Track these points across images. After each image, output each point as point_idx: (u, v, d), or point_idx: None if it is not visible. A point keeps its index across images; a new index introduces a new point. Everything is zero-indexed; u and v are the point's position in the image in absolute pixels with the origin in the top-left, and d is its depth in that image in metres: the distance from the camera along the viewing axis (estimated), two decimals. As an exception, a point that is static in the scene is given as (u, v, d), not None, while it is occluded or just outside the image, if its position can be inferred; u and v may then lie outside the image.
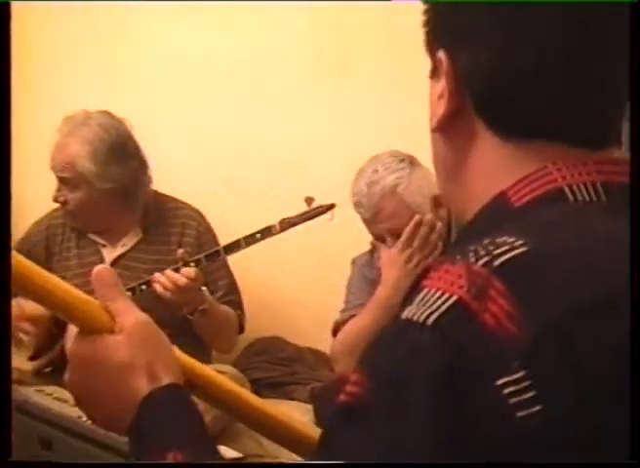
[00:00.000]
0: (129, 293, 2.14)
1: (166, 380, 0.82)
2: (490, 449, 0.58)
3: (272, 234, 2.13)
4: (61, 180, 2.37)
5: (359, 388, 0.62)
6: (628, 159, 0.72)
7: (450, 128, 0.77)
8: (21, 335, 2.29)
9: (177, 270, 2.19)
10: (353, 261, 2.42)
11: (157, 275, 2.18)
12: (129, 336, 0.83)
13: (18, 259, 0.81)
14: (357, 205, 2.19)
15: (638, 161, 0.70)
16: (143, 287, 2.21)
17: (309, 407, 2.36)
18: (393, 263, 2.14)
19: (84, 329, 0.85)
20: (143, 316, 0.86)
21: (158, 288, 2.17)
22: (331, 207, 2.12)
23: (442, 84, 0.76)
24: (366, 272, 2.34)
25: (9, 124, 0.86)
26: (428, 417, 0.58)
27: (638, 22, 0.70)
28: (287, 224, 2.13)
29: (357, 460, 0.61)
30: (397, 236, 2.14)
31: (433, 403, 0.58)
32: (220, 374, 0.95)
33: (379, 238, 2.22)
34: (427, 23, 0.78)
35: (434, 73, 0.77)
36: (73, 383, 0.86)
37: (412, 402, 0.59)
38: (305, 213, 2.12)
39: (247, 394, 0.98)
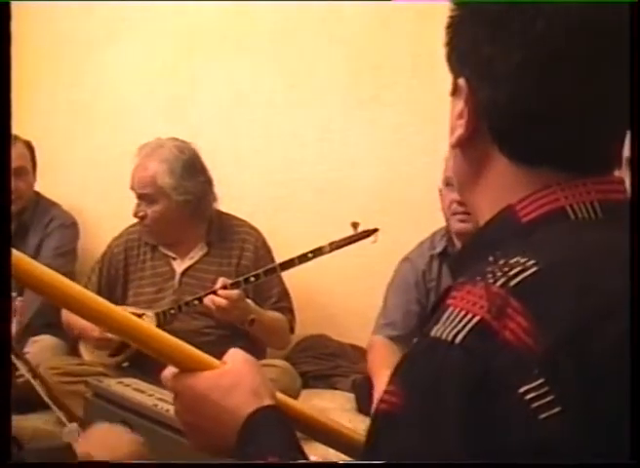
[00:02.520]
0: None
1: (267, 401, 0.91)
2: (516, 451, 0.61)
3: (322, 254, 2.31)
4: (141, 197, 2.59)
5: (395, 398, 0.67)
6: (624, 178, 0.77)
7: (467, 145, 0.80)
8: (107, 335, 2.49)
9: (237, 284, 2.39)
10: (406, 258, 2.47)
11: (209, 297, 2.39)
12: (235, 366, 0.94)
13: (133, 320, 0.92)
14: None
15: (639, 165, 0.74)
16: (196, 302, 2.46)
17: (351, 395, 2.52)
18: None
19: (186, 369, 0.93)
20: (245, 353, 0.97)
21: (209, 304, 2.39)
22: (374, 231, 2.28)
23: (461, 106, 0.78)
24: (420, 264, 2.40)
25: (9, 123, 0.86)
26: (459, 424, 0.62)
27: (638, 22, 0.71)
28: (335, 246, 2.30)
29: (397, 460, 0.65)
30: None
31: (463, 411, 0.62)
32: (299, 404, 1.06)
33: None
34: (449, 44, 0.81)
35: (455, 92, 0.80)
36: (182, 414, 0.95)
37: (444, 411, 0.63)
38: (352, 236, 2.29)
39: (320, 417, 1.07)
